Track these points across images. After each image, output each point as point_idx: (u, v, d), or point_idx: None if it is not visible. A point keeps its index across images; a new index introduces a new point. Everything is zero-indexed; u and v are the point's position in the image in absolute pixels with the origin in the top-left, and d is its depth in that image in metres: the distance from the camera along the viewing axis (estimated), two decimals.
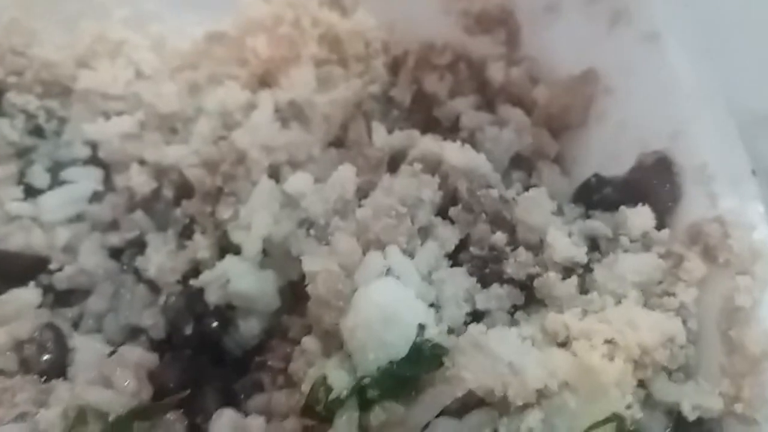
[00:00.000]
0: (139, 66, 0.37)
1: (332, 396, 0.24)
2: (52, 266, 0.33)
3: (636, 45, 0.32)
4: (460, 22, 0.37)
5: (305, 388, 0.25)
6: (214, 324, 0.31)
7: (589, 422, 0.23)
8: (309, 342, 0.26)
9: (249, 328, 0.31)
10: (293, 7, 0.35)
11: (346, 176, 0.31)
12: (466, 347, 0.24)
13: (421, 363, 0.23)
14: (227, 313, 0.31)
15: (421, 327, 0.24)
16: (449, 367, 0.24)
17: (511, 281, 0.27)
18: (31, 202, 0.34)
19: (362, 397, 0.24)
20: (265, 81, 0.36)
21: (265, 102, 0.34)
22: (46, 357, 0.29)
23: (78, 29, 0.37)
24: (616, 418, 0.22)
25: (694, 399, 0.24)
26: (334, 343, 0.26)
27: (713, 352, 0.25)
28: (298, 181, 0.31)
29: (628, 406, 0.23)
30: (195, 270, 0.33)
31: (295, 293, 0.32)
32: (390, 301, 0.24)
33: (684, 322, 0.25)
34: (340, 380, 0.24)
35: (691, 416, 0.23)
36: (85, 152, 0.35)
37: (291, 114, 0.35)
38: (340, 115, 0.35)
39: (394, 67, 0.37)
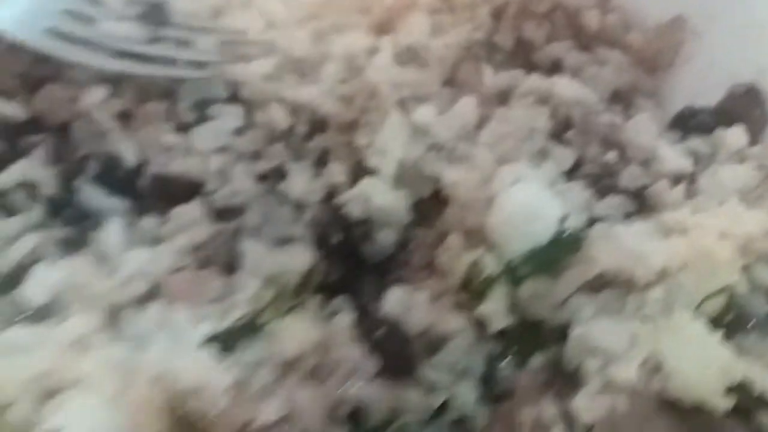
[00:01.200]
0: (269, 16, 0.41)
1: (485, 275, 0.29)
2: (208, 189, 0.38)
3: None
4: None
5: (458, 271, 0.29)
6: (357, 234, 0.36)
7: (703, 296, 0.27)
8: (454, 239, 0.31)
9: (385, 238, 0.36)
10: None
11: (467, 106, 0.36)
12: (597, 237, 0.29)
13: (561, 248, 0.28)
14: (365, 226, 0.37)
15: (560, 220, 0.28)
16: (584, 253, 0.29)
17: (624, 191, 0.32)
18: (182, 135, 0.40)
19: (513, 274, 0.29)
20: (384, 29, 0.40)
21: (386, 46, 0.39)
22: (220, 256, 0.34)
23: None
24: (727, 289, 0.27)
25: None
26: (477, 239, 0.31)
27: None
28: (424, 112, 0.36)
29: (737, 283, 0.27)
30: (330, 193, 0.39)
31: (421, 211, 0.37)
32: (532, 199, 0.29)
33: None
34: (491, 263, 0.29)
35: None
36: (226, 92, 0.40)
37: (408, 57, 0.40)
38: (452, 58, 0.40)
39: (497, 15, 0.41)
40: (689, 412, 0.26)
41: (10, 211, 0.36)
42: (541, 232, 0.28)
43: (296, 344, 0.26)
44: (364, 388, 0.26)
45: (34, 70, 0.40)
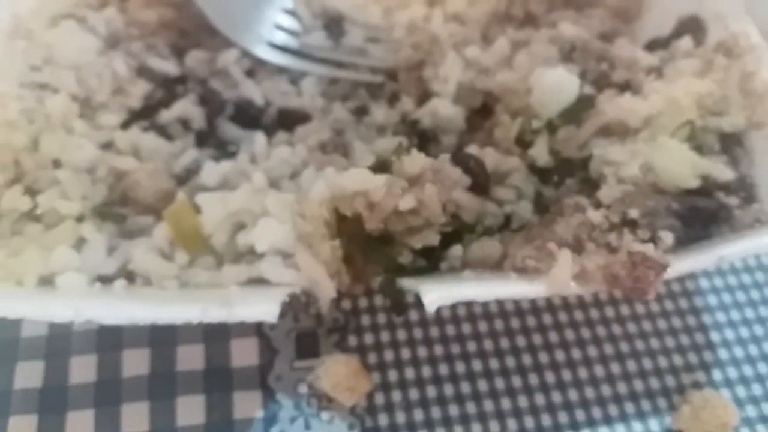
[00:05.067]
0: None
1: (532, 129, 0.43)
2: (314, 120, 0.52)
3: None
4: None
5: (512, 132, 0.44)
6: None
7: (674, 127, 0.41)
8: (505, 117, 0.46)
9: (448, 141, 0.50)
10: None
11: (501, 45, 0.51)
12: (603, 100, 0.43)
13: (581, 106, 0.43)
14: (433, 132, 0.51)
15: (579, 88, 0.43)
16: (596, 109, 0.43)
17: (616, 84, 0.47)
18: (294, 85, 0.54)
19: (550, 127, 0.43)
20: (434, 2, 0.56)
21: (438, 13, 0.54)
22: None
23: None
24: (689, 123, 0.41)
25: (729, 122, 0.43)
26: (520, 114, 0.45)
27: (736, 100, 0.43)
28: (472, 50, 0.51)
29: (695, 119, 0.42)
30: (403, 117, 0.53)
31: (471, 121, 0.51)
32: (559, 78, 0.43)
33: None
34: (536, 121, 0.43)
35: (729, 130, 0.42)
36: None
37: (454, 20, 0.55)
38: (484, 21, 0.55)
39: None
40: (672, 192, 0.40)
41: (171, 138, 0.49)
42: (566, 98, 0.43)
43: (419, 168, 0.39)
44: (461, 195, 0.40)
45: (180, 41, 0.55)
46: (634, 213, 0.38)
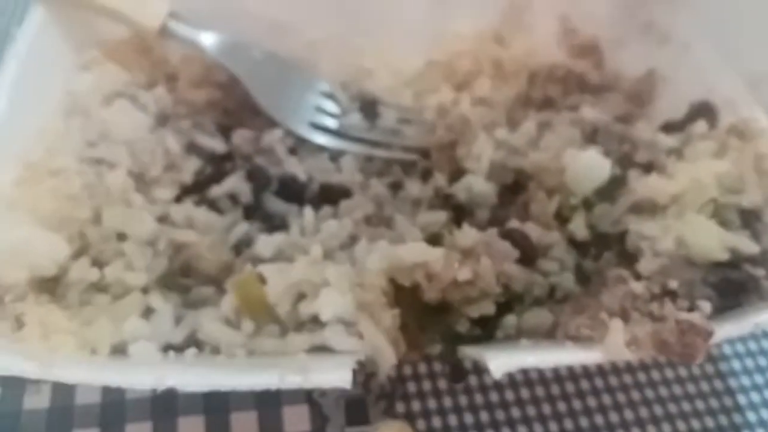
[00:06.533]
0: (381, 84, 0.61)
1: (570, 204, 0.46)
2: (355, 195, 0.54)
3: (679, 52, 0.58)
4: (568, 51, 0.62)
5: (550, 209, 0.47)
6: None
7: (699, 205, 0.45)
8: (540, 194, 0.49)
9: (481, 215, 0.54)
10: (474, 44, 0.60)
11: (527, 128, 0.55)
12: (633, 179, 0.47)
13: (614, 186, 0.46)
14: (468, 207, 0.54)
15: (611, 169, 0.47)
16: (628, 188, 0.47)
17: (638, 164, 0.51)
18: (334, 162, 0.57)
19: (587, 204, 0.47)
20: (461, 87, 0.60)
21: (465, 97, 0.59)
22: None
23: None
24: (712, 200, 0.45)
25: (747, 199, 0.47)
26: (553, 192, 0.49)
27: (752, 179, 0.48)
28: (501, 131, 0.55)
29: (718, 196, 0.46)
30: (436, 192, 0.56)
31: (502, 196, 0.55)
32: (591, 159, 0.47)
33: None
34: (573, 198, 0.47)
35: (748, 207, 0.46)
36: None
37: (478, 102, 0.59)
38: (508, 104, 0.59)
39: (532, 79, 0.61)
40: (703, 264, 0.43)
41: (221, 211, 0.52)
42: (599, 177, 0.47)
43: (471, 241, 0.43)
44: (512, 267, 0.43)
45: (225, 120, 0.58)
46: (673, 284, 0.41)
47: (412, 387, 0.48)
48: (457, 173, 0.54)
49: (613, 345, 0.38)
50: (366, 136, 0.57)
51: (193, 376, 0.36)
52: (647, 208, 0.46)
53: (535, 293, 0.44)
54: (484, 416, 0.47)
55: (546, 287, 0.44)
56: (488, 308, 0.41)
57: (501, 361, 0.36)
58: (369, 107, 0.58)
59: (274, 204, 0.53)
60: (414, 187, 0.55)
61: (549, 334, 0.41)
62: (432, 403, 0.47)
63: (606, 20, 0.61)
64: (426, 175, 0.56)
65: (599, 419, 0.48)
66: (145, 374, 0.36)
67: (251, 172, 0.53)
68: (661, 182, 0.46)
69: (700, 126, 0.51)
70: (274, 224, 0.51)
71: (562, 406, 0.48)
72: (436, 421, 0.46)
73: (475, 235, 0.43)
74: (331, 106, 0.57)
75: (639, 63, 0.60)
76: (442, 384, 0.48)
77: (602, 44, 0.61)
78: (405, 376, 0.48)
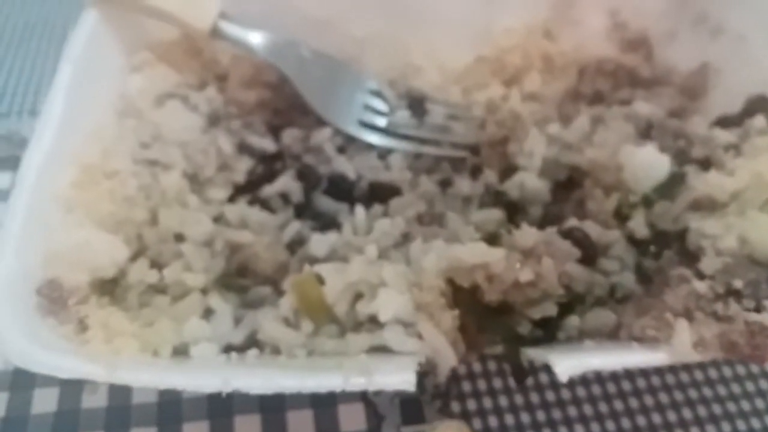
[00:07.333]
0: (427, 80, 0.60)
1: (630, 201, 0.46)
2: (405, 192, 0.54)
3: (733, 44, 0.57)
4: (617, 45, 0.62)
5: (609, 206, 0.47)
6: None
7: (760, 203, 0.44)
8: (597, 192, 0.48)
9: (534, 212, 0.53)
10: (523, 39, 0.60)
11: (580, 122, 0.54)
12: (691, 175, 0.46)
13: (673, 182, 0.46)
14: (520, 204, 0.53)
15: (671, 165, 0.46)
16: (687, 185, 0.46)
17: (694, 160, 0.50)
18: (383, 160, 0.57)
19: (647, 201, 0.46)
20: (510, 83, 0.59)
21: (515, 93, 0.58)
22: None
23: None
24: None
25: None
26: (610, 189, 0.48)
27: None
28: (553, 126, 0.54)
29: None
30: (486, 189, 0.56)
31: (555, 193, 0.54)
32: (650, 156, 0.46)
33: None
34: (632, 196, 0.46)
35: None
36: None
37: (529, 97, 0.59)
38: (559, 98, 0.59)
39: (581, 73, 0.61)
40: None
41: (273, 210, 0.52)
42: (658, 175, 0.46)
43: (532, 241, 0.42)
44: (573, 267, 0.43)
45: (275, 120, 0.58)
46: (738, 283, 0.40)
47: (467, 386, 0.48)
48: (508, 170, 0.54)
49: (679, 346, 0.37)
50: (414, 133, 0.57)
51: (257, 379, 0.37)
52: (707, 206, 0.45)
53: (596, 293, 0.43)
54: (540, 415, 0.46)
55: (607, 287, 0.44)
56: (550, 310, 0.41)
57: (568, 364, 0.36)
58: (417, 104, 0.58)
59: (324, 203, 0.53)
60: (464, 185, 0.54)
61: (612, 335, 0.41)
62: (488, 402, 0.47)
63: (656, 13, 0.60)
64: (475, 172, 0.56)
65: (656, 418, 0.47)
66: (211, 376, 0.36)
67: (301, 171, 0.54)
68: (720, 179, 0.45)
69: (759, 121, 0.50)
70: (325, 223, 0.51)
71: (618, 405, 0.47)
72: (492, 421, 0.46)
73: (535, 235, 0.42)
74: (379, 104, 0.57)
75: (691, 56, 0.59)
76: (498, 383, 0.48)
77: (653, 38, 0.60)
78: (459, 375, 0.48)
